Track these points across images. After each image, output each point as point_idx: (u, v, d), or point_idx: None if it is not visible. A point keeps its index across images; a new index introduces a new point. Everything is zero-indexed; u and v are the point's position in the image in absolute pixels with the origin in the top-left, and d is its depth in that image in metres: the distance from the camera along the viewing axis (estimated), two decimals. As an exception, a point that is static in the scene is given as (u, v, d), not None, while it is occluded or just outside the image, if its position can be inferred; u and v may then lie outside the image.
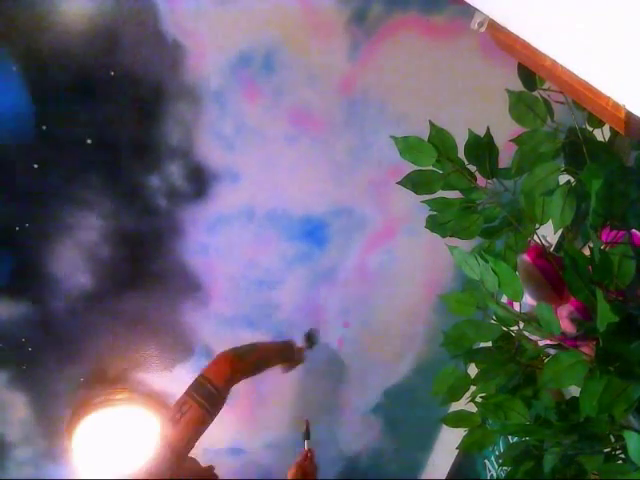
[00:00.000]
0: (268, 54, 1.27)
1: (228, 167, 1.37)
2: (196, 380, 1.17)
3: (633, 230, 0.81)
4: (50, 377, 1.55)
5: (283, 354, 1.44)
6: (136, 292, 1.47)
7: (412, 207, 1.47)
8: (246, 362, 1.24)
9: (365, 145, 1.41)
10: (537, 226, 0.94)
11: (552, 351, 0.85)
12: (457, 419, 1.02)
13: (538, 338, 0.87)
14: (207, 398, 1.14)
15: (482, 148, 0.95)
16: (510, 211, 0.97)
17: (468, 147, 0.96)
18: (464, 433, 1.02)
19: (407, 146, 0.96)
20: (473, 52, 1.32)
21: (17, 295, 1.41)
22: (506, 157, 0.99)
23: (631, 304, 0.77)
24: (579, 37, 0.61)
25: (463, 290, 0.98)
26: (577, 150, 0.90)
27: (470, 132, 0.96)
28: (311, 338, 1.49)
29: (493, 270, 0.78)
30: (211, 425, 1.16)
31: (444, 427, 1.83)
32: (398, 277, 1.60)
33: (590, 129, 0.94)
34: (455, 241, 0.96)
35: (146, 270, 1.45)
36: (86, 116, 1.24)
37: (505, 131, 0.95)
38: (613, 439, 0.82)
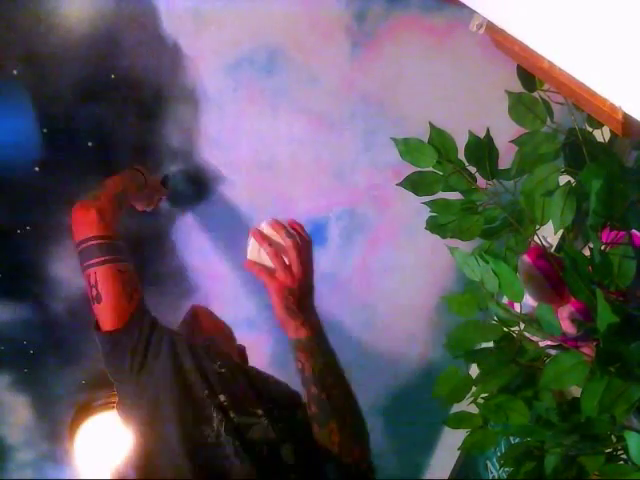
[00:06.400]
0: (268, 56, 1.27)
1: (228, 169, 1.38)
2: (77, 253, 0.99)
3: (633, 230, 0.81)
4: (52, 380, 1.55)
5: (135, 179, 1.22)
6: (137, 294, 1.47)
7: (413, 208, 1.47)
8: (101, 198, 1.03)
9: (366, 146, 1.41)
10: (537, 227, 0.94)
11: (553, 352, 0.85)
12: (459, 420, 1.02)
13: (539, 339, 0.87)
14: (98, 253, 0.96)
15: (482, 149, 0.96)
16: (510, 212, 0.98)
17: (468, 148, 0.97)
18: (466, 434, 1.02)
19: (407, 148, 0.97)
20: (473, 53, 1.32)
21: (18, 298, 1.41)
22: (506, 158, 0.99)
23: (631, 304, 0.77)
24: (576, 40, 0.61)
25: (464, 291, 0.98)
26: (577, 151, 0.90)
27: (470, 133, 0.96)
28: (166, 181, 1.34)
29: (494, 271, 0.78)
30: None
31: (446, 428, 1.83)
32: (399, 278, 1.60)
33: (590, 130, 0.94)
34: (456, 242, 0.96)
35: (146, 271, 1.45)
36: (87, 119, 1.24)
37: (505, 132, 0.96)
38: (614, 439, 0.82)
